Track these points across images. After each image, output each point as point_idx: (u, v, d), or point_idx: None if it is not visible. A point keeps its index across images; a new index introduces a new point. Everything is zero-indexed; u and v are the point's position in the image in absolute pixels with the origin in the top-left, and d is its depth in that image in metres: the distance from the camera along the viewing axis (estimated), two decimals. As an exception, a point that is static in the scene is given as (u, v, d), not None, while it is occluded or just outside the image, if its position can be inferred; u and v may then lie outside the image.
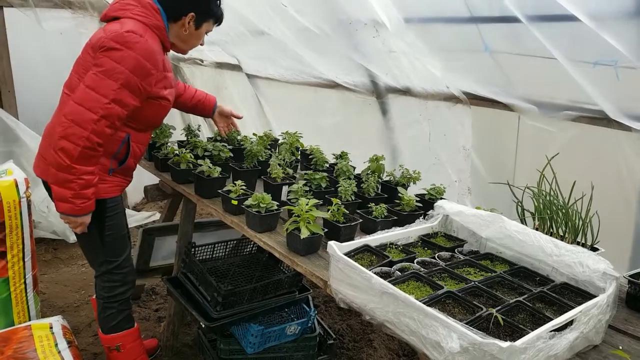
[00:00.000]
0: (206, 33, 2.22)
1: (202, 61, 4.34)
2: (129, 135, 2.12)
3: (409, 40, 2.45)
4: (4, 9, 3.74)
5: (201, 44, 2.25)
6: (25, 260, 2.63)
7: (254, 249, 2.89)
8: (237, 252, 2.84)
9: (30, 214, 2.62)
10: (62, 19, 3.89)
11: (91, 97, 1.88)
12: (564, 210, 1.91)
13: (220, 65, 4.29)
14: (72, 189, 1.93)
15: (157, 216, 4.75)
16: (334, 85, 3.32)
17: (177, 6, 2.06)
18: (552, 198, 1.95)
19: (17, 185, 2.53)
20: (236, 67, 4.02)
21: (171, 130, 2.84)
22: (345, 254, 1.59)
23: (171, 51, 2.22)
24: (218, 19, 2.21)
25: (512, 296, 1.52)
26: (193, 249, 2.64)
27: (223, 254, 2.79)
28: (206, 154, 2.62)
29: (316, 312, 2.63)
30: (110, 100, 1.89)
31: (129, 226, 2.49)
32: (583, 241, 1.89)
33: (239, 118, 2.80)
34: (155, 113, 2.17)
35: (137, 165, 2.33)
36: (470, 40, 2.37)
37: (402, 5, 2.35)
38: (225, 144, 2.74)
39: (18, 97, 3.93)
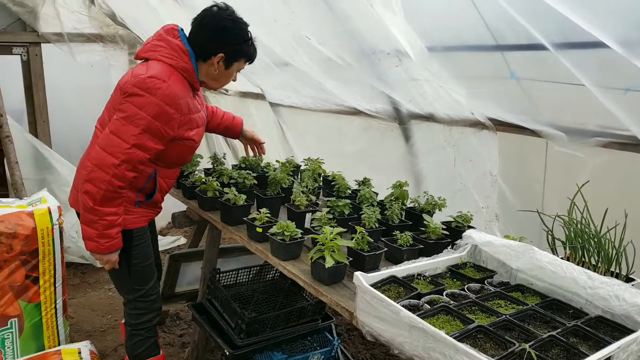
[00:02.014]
0: (238, 71, 2.20)
1: (227, 91, 4.44)
2: (155, 172, 2.15)
3: (432, 69, 2.45)
4: (42, 44, 3.96)
5: (233, 80, 2.23)
6: (57, 285, 2.68)
7: (276, 275, 2.88)
8: (260, 278, 2.84)
9: (62, 241, 2.69)
10: (94, 52, 4.08)
11: (113, 142, 1.94)
12: (596, 239, 1.86)
13: (244, 95, 4.37)
14: (97, 229, 1.99)
15: (183, 240, 4.80)
16: (356, 112, 3.34)
17: (206, 47, 2.06)
18: (583, 226, 1.90)
19: (50, 213, 2.61)
20: (259, 96, 4.10)
21: (198, 159, 2.90)
22: (372, 285, 1.57)
23: None
24: (250, 58, 2.17)
25: (545, 330, 1.48)
26: (218, 275, 2.65)
27: (246, 279, 2.80)
28: (231, 181, 2.66)
29: (339, 340, 2.59)
30: (131, 145, 1.93)
31: (158, 250, 2.52)
32: (617, 271, 1.82)
33: (260, 143, 2.82)
34: (180, 153, 2.19)
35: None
36: (496, 68, 2.35)
37: (425, 35, 2.36)
38: (250, 172, 2.78)
39: (51, 126, 4.10)
